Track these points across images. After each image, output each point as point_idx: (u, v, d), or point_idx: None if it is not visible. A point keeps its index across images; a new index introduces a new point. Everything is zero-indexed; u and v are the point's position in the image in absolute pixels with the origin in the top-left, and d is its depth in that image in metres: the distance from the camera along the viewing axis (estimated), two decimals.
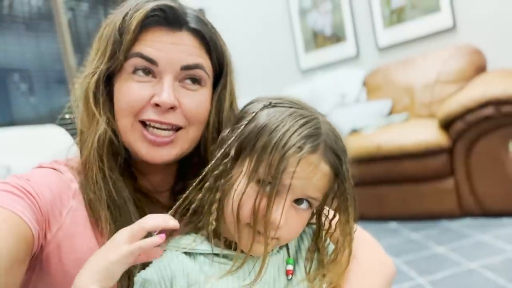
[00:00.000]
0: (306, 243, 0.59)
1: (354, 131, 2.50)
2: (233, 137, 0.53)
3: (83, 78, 0.61)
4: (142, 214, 0.60)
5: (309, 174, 0.49)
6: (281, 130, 0.49)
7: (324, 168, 0.50)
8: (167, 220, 0.48)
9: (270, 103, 0.53)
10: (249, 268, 0.52)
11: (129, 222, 0.57)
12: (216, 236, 0.55)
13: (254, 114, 0.53)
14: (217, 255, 0.53)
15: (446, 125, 2.04)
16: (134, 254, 0.46)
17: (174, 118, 0.58)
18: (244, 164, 0.51)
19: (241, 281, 0.52)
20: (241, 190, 0.50)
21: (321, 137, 0.50)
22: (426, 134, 2.10)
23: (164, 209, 0.64)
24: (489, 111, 1.91)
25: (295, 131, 0.49)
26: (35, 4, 3.75)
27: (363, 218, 2.28)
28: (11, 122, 3.67)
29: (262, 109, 0.53)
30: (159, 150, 0.59)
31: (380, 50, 3.02)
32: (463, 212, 2.06)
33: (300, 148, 0.48)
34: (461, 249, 1.70)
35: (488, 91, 1.92)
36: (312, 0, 3.31)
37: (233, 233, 0.51)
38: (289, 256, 0.56)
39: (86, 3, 3.78)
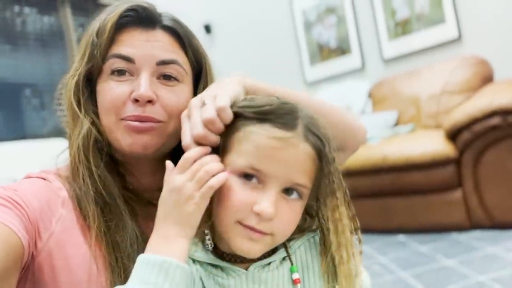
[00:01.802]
0: (311, 252, 0.56)
1: None
2: None
3: (66, 80, 0.63)
4: (131, 210, 0.61)
5: (291, 156, 0.48)
6: (253, 107, 0.50)
7: (306, 148, 0.49)
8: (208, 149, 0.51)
9: (246, 98, 0.54)
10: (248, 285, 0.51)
11: (118, 217, 0.58)
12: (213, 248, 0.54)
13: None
14: (214, 266, 0.53)
15: (453, 135, 2.02)
16: (207, 197, 0.48)
17: (153, 112, 0.59)
18: (225, 159, 0.51)
19: None
20: (227, 186, 0.49)
21: (298, 118, 0.50)
22: (433, 144, 2.08)
23: (154, 207, 0.65)
24: (496, 120, 1.89)
25: (268, 111, 0.49)
26: (47, 22, 3.84)
27: (370, 230, 2.25)
28: (23, 135, 3.73)
29: (239, 103, 0.52)
30: (140, 137, 0.59)
31: (386, 62, 3.02)
32: (472, 224, 2.02)
33: (277, 126, 0.48)
34: (470, 262, 1.66)
35: (494, 100, 1.90)
36: (317, 14, 3.34)
37: (225, 236, 0.50)
38: (292, 264, 0.54)
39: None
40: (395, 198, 2.22)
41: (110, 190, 0.59)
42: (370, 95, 2.94)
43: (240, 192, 0.48)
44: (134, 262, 0.54)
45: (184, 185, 0.49)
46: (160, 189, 0.68)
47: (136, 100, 0.58)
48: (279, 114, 0.49)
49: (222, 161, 0.51)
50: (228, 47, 3.86)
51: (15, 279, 0.49)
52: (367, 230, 2.26)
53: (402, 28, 2.89)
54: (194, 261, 0.53)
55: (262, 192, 0.48)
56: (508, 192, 1.91)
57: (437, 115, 2.46)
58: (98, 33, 0.60)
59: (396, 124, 2.64)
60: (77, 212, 0.58)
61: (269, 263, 0.53)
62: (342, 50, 3.25)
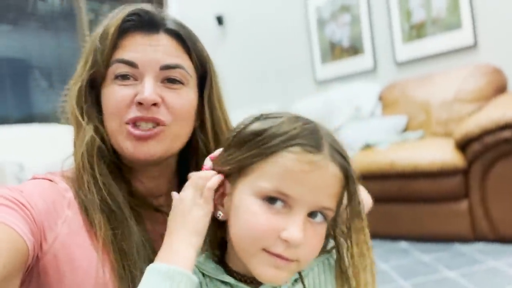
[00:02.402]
0: (325, 275, 0.55)
1: (367, 146, 2.47)
2: (225, 155, 0.52)
3: (69, 86, 0.63)
4: (137, 217, 0.61)
5: (320, 179, 0.46)
6: (280, 134, 0.47)
7: (334, 170, 0.48)
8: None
9: (262, 115, 0.51)
10: None
11: (124, 225, 0.58)
12: (220, 263, 0.54)
13: (243, 126, 0.51)
14: (223, 282, 0.52)
15: (463, 145, 1.99)
16: (209, 199, 0.51)
17: (158, 113, 0.59)
18: (246, 180, 0.48)
19: None
20: (250, 210, 0.47)
21: (322, 138, 0.48)
22: (442, 153, 2.06)
23: (160, 213, 0.65)
24: (507, 133, 1.86)
25: (295, 134, 0.47)
26: (58, 3, 3.82)
27: (373, 235, 2.24)
28: (30, 117, 3.74)
29: (253, 121, 0.51)
30: (144, 145, 0.59)
31: (398, 65, 2.99)
32: (476, 236, 2.00)
33: (303, 148, 0.46)
34: (472, 275, 1.65)
35: (507, 113, 1.88)
36: (331, 11, 3.30)
37: (245, 261, 0.48)
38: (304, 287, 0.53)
39: (108, 5, 3.84)
40: (400, 205, 2.20)
41: (115, 197, 0.59)
42: (380, 98, 2.91)
43: (265, 218, 0.46)
44: (140, 270, 0.54)
45: (186, 195, 0.52)
46: (164, 194, 0.68)
47: (140, 103, 0.58)
48: (305, 136, 0.47)
49: (241, 182, 0.49)
50: (240, 39, 3.83)
51: (18, 281, 0.49)
52: (370, 235, 2.25)
53: (417, 31, 2.85)
54: (204, 275, 0.52)
55: (288, 217, 0.46)
56: None
57: (447, 122, 2.43)
58: (101, 38, 0.60)
59: (406, 129, 2.62)
60: (83, 216, 0.58)
61: (280, 285, 0.52)
62: (354, 50, 3.21)
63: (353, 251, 0.51)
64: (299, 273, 0.53)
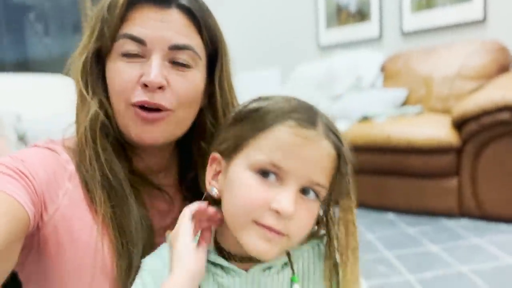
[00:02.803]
0: (314, 260, 0.56)
1: (365, 118, 2.47)
2: (223, 134, 0.53)
3: (74, 59, 0.61)
4: (137, 194, 0.61)
5: (313, 153, 0.48)
6: (276, 110, 0.49)
7: (327, 146, 0.49)
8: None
9: (260, 97, 0.53)
10: None
11: (124, 202, 0.58)
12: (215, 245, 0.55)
13: (242, 106, 0.53)
14: (213, 264, 0.53)
15: (459, 124, 2.01)
16: (188, 228, 0.51)
17: (163, 99, 0.57)
18: (241, 155, 0.50)
19: None
20: (243, 182, 0.48)
21: (317, 115, 0.50)
22: (438, 131, 2.08)
23: (159, 190, 0.65)
24: (505, 115, 1.87)
25: (291, 110, 0.49)
26: None
27: (363, 205, 2.31)
28: (26, 62, 3.66)
29: (252, 101, 0.53)
30: (150, 129, 0.58)
31: (404, 35, 2.93)
32: (461, 212, 2.07)
33: (298, 122, 0.47)
34: (454, 250, 1.72)
35: (507, 95, 1.88)
36: None
37: (237, 235, 0.49)
38: (293, 273, 0.53)
39: None
40: (391, 178, 2.25)
41: (116, 174, 0.59)
42: (382, 69, 2.87)
43: (257, 189, 0.47)
44: (138, 248, 0.56)
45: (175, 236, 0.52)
46: (163, 171, 0.67)
47: (146, 85, 0.57)
48: (300, 112, 0.49)
49: (236, 158, 0.51)
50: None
51: (19, 249, 0.50)
52: (360, 205, 2.31)
53: (427, 0, 2.77)
54: None
55: (280, 190, 0.47)
56: (502, 186, 1.95)
57: (447, 99, 2.43)
58: (109, 8, 0.57)
59: (405, 102, 2.61)
60: (84, 190, 0.58)
61: (269, 267, 0.53)
62: (361, 15, 3.12)
63: (340, 229, 0.52)
64: (289, 258, 0.55)
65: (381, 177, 2.28)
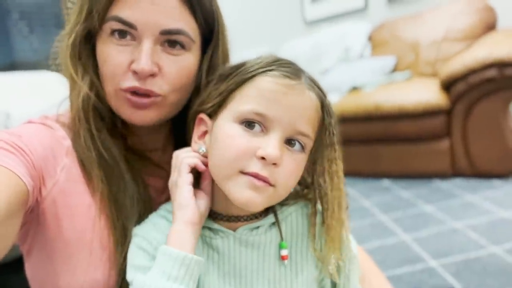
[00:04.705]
0: (302, 221, 0.56)
1: (354, 89, 2.47)
2: (207, 94, 0.55)
3: (62, 37, 0.60)
4: (133, 171, 0.61)
5: (296, 102, 0.48)
6: (259, 62, 0.51)
7: (311, 96, 0.50)
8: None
9: (243, 60, 0.55)
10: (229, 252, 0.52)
11: (120, 179, 0.59)
12: None
13: (233, 64, 0.54)
14: (203, 227, 0.54)
15: (448, 85, 2.01)
16: (185, 170, 0.53)
17: (154, 85, 0.56)
18: (226, 109, 0.51)
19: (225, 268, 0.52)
20: (228, 133, 0.49)
21: (300, 69, 0.51)
22: (427, 94, 2.08)
23: (156, 167, 0.66)
24: (492, 73, 1.88)
25: (274, 62, 0.50)
26: None
27: (357, 174, 2.33)
28: (12, 63, 3.63)
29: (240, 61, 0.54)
30: (141, 112, 0.58)
31: (389, 3, 2.90)
32: (455, 173, 2.09)
33: (282, 73, 0.49)
34: (448, 209, 1.75)
35: (493, 52, 1.88)
36: None
37: (223, 187, 0.49)
38: (282, 239, 0.53)
39: None
40: (384, 145, 2.26)
41: (111, 152, 0.59)
42: (370, 38, 2.86)
43: (242, 139, 0.48)
44: (132, 224, 0.57)
45: (171, 178, 0.55)
46: (159, 148, 0.68)
47: (136, 72, 0.56)
48: (283, 64, 0.50)
49: (221, 113, 0.52)
50: None
51: (19, 222, 0.50)
52: (354, 174, 2.34)
53: None
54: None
55: (265, 138, 0.48)
56: (493, 143, 1.96)
57: (435, 62, 2.43)
58: None
59: (394, 70, 2.61)
60: (81, 167, 0.59)
61: (257, 227, 0.53)
62: None
63: (325, 181, 0.52)
64: (276, 217, 0.55)
65: (374, 145, 2.30)
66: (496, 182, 1.94)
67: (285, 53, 3.13)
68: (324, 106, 0.52)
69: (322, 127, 0.52)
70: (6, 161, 0.49)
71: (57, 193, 0.56)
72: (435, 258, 1.38)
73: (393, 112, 2.15)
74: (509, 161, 1.96)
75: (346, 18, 3.10)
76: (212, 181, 0.54)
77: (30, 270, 0.62)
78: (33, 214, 0.56)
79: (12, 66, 3.62)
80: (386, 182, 2.24)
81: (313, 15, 3.30)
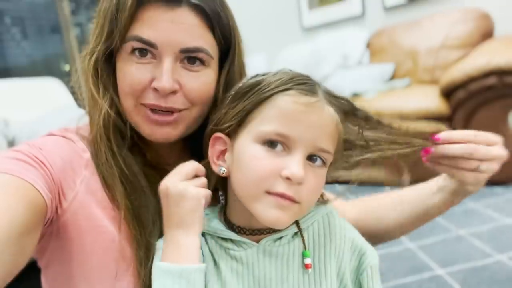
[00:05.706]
0: (324, 231, 0.57)
1: (355, 95, 2.48)
2: (223, 113, 0.54)
3: (83, 57, 0.60)
4: (152, 185, 0.61)
5: (316, 120, 0.49)
6: (276, 81, 0.50)
7: (330, 112, 0.50)
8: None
9: (257, 74, 0.55)
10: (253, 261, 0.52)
11: (141, 195, 0.59)
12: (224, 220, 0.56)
13: (241, 84, 0.54)
14: (224, 239, 0.54)
15: (448, 93, 2.03)
16: (204, 185, 0.54)
17: (175, 102, 0.57)
18: (246, 129, 0.51)
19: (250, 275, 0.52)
20: (252, 155, 0.49)
21: (316, 84, 0.51)
22: (427, 101, 2.10)
23: None
24: (492, 80, 1.89)
25: (291, 79, 0.50)
26: None
27: (360, 182, 2.33)
28: (5, 69, 3.60)
29: (249, 78, 0.54)
30: (162, 129, 0.59)
31: (387, 10, 2.93)
32: None
33: (299, 91, 0.49)
34: (452, 216, 1.76)
35: (492, 60, 1.90)
36: None
37: (249, 207, 0.50)
38: (305, 248, 0.54)
39: None
40: None
41: (132, 168, 0.59)
42: (368, 45, 2.88)
43: (266, 160, 0.48)
44: (155, 238, 0.56)
45: (173, 185, 0.52)
46: (176, 161, 0.68)
47: (157, 89, 0.56)
48: (299, 82, 0.50)
49: (241, 133, 0.51)
50: None
51: (37, 235, 0.50)
52: (356, 181, 2.34)
53: None
54: (203, 233, 0.54)
55: (288, 158, 0.48)
56: None
57: (433, 69, 2.45)
58: (117, 8, 0.55)
59: (393, 77, 2.63)
60: (101, 181, 0.59)
61: (280, 238, 0.54)
62: None
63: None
64: (298, 227, 0.55)
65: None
66: (498, 189, 1.96)
67: (283, 59, 3.15)
68: (347, 115, 0.53)
69: (353, 131, 0.55)
70: (24, 173, 0.50)
71: (78, 204, 0.56)
72: (442, 267, 1.38)
73: (394, 119, 2.15)
74: (510, 168, 1.97)
75: (344, 25, 3.12)
76: (234, 196, 0.53)
77: (47, 284, 0.62)
78: (52, 227, 0.55)
79: (5, 72, 3.58)
80: (388, 189, 2.24)
81: (310, 21, 3.32)
